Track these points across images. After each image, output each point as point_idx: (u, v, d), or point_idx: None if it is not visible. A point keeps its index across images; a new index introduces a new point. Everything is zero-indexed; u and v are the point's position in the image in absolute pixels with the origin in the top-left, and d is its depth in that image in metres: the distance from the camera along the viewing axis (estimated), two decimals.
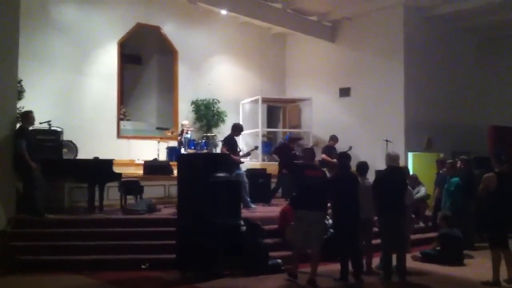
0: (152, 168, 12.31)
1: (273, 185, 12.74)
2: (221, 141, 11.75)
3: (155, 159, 13.11)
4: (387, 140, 13.29)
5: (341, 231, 7.57)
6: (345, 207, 7.50)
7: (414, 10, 14.88)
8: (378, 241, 8.00)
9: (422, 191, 11.38)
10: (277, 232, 8.95)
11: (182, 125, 14.02)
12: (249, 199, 10.82)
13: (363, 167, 8.26)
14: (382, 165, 8.74)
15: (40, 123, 10.30)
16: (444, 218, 9.37)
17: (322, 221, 7.62)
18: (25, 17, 10.40)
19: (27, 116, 9.31)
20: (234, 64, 16.80)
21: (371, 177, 8.49)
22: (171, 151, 13.49)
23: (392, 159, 7.88)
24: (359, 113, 15.58)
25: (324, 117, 16.07)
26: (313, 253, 7.52)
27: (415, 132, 14.64)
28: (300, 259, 7.60)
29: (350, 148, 12.39)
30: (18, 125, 9.33)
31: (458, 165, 10.71)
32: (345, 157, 8.11)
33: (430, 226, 11.16)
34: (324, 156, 12.03)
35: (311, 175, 7.57)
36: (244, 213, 9.23)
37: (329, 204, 7.76)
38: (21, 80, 10.84)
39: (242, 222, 8.34)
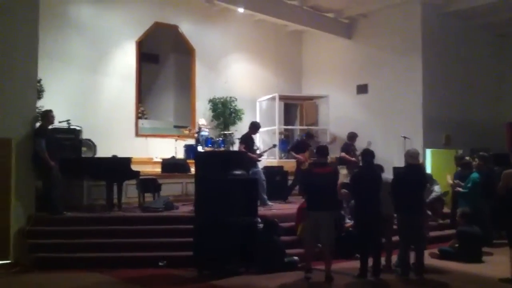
0: (170, 166, 12.38)
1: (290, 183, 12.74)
2: (239, 139, 11.79)
3: (173, 157, 13.16)
4: (405, 137, 13.19)
5: (362, 228, 7.54)
6: (366, 205, 7.45)
7: (430, 6, 14.69)
8: (398, 238, 7.93)
9: (436, 189, 11.23)
10: (294, 230, 8.95)
11: (199, 123, 14.12)
12: (266, 197, 10.82)
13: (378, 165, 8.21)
14: (399, 162, 8.70)
15: (59, 122, 10.39)
16: (463, 215, 9.25)
17: (331, 221, 7.46)
18: (44, 17, 10.52)
19: (47, 115, 9.43)
20: (250, 62, 16.81)
21: (387, 173, 8.43)
22: (189, 149, 13.56)
23: (412, 156, 7.80)
24: (377, 110, 15.47)
25: (341, 114, 15.99)
26: (323, 251, 7.53)
27: (433, 128, 14.49)
28: (314, 257, 7.62)
29: (370, 143, 12.32)
30: (38, 124, 9.44)
31: (475, 162, 10.58)
32: (368, 154, 7.93)
33: (448, 223, 11.05)
34: (343, 154, 11.95)
35: (318, 173, 7.53)
36: (261, 210, 9.24)
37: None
38: (41, 80, 10.98)
39: (259, 220, 8.37)
